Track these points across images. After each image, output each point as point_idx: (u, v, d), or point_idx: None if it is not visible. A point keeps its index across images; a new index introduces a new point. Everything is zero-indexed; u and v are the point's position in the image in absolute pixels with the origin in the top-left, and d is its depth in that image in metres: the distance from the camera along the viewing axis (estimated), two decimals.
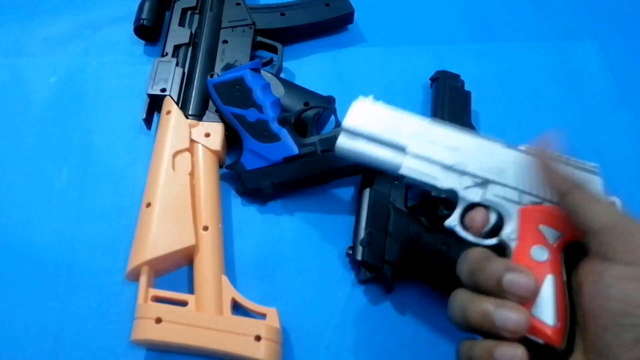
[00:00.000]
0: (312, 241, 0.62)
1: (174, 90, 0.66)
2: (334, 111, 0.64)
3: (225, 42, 0.71)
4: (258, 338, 0.51)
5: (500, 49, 0.80)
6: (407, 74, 0.76)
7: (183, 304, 0.53)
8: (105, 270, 0.59)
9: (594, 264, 0.37)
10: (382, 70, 0.77)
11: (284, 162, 0.61)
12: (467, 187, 0.46)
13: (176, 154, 0.61)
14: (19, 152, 0.67)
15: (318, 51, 0.78)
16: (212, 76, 0.65)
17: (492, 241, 0.45)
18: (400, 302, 0.59)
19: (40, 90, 0.72)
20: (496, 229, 0.45)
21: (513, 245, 0.43)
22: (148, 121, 0.67)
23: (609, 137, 0.73)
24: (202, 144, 0.63)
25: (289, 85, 0.68)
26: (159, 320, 0.51)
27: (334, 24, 0.78)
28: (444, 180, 0.47)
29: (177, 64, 0.68)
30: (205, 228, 0.57)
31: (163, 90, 0.65)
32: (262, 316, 0.53)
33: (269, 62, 0.72)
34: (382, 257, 0.57)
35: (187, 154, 0.61)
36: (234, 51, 0.70)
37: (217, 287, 0.55)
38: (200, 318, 0.52)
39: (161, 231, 0.55)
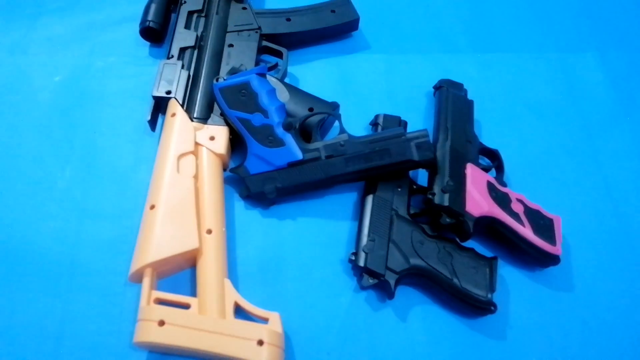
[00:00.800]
0: (315, 246, 0.63)
1: (179, 93, 0.66)
2: (338, 117, 0.64)
3: (230, 45, 0.71)
4: (261, 343, 0.51)
5: (503, 59, 0.81)
6: (410, 82, 0.77)
7: (186, 306, 0.53)
8: (107, 271, 0.59)
9: None
10: (386, 77, 0.78)
11: (288, 167, 0.61)
12: None
13: (181, 156, 0.61)
14: (22, 150, 0.67)
15: (323, 57, 0.78)
16: (218, 80, 0.65)
17: None
18: (401, 309, 0.59)
19: (44, 90, 0.72)
20: None
21: None
22: (152, 123, 0.67)
23: (610, 148, 0.73)
24: (206, 147, 0.63)
25: (294, 90, 0.68)
26: (161, 323, 0.51)
27: (339, 30, 0.79)
28: None
29: (182, 67, 0.68)
30: (209, 231, 0.57)
31: (168, 92, 0.66)
32: (265, 320, 0.54)
33: (274, 67, 0.72)
34: (384, 264, 0.57)
35: (191, 157, 0.61)
36: (239, 55, 0.71)
37: (220, 291, 0.55)
38: (202, 321, 0.52)
39: (165, 233, 0.55)
